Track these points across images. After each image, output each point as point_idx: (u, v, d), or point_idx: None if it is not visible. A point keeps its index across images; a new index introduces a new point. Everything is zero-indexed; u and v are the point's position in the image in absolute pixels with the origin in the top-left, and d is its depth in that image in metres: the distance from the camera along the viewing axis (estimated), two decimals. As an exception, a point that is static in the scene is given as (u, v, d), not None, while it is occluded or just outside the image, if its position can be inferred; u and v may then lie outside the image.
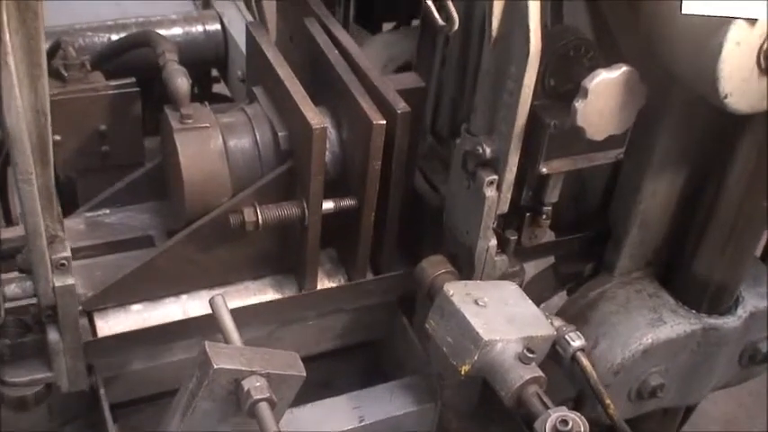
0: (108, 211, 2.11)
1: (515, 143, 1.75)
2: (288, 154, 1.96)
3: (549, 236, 2.05)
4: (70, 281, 1.61)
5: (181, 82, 1.94)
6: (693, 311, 2.04)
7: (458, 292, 1.78)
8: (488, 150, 1.78)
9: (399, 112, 1.88)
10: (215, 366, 1.57)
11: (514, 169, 1.79)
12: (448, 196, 1.97)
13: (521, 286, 1.99)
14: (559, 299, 2.27)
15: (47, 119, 1.50)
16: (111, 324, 1.95)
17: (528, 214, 1.96)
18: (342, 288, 2.08)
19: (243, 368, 1.60)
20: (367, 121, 1.85)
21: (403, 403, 2.02)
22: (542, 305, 2.32)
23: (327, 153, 1.93)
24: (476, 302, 1.77)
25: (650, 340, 2.00)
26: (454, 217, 1.95)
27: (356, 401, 2.01)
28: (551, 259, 2.25)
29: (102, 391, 1.89)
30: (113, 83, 2.12)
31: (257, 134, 1.98)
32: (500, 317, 1.76)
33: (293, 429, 1.87)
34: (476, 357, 1.71)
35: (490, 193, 1.81)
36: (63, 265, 1.60)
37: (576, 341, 1.84)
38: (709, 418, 3.75)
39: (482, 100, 1.79)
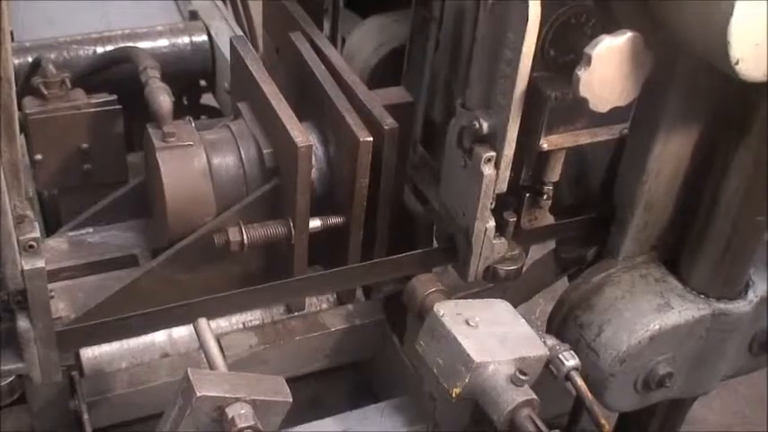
0: (91, 230, 2.08)
1: (514, 116, 1.67)
2: (273, 172, 1.91)
3: (548, 220, 1.99)
4: (40, 263, 1.52)
5: (163, 99, 1.90)
6: (702, 296, 1.96)
7: (448, 312, 1.73)
8: (485, 125, 1.71)
9: (387, 128, 1.84)
10: (198, 394, 1.52)
11: (513, 144, 1.72)
12: (443, 176, 1.89)
13: (520, 271, 1.93)
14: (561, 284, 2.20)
15: (11, 86, 1.41)
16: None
17: (527, 195, 1.88)
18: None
19: (227, 395, 1.55)
20: (353, 138, 1.81)
21: (393, 425, 1.95)
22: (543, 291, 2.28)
23: (314, 170, 1.91)
24: (467, 323, 1.71)
25: (657, 326, 1.91)
26: (450, 198, 1.87)
27: (344, 423, 1.94)
28: (551, 244, 2.17)
29: (85, 417, 1.82)
30: (94, 100, 2.08)
31: (242, 152, 1.94)
32: (492, 337, 1.71)
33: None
34: (467, 380, 1.66)
35: (488, 170, 1.73)
36: (32, 246, 1.51)
37: (570, 360, 1.78)
38: (707, 426, 3.67)
39: (478, 71, 1.72)
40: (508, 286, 2.03)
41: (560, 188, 2.06)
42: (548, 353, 1.75)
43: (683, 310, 1.93)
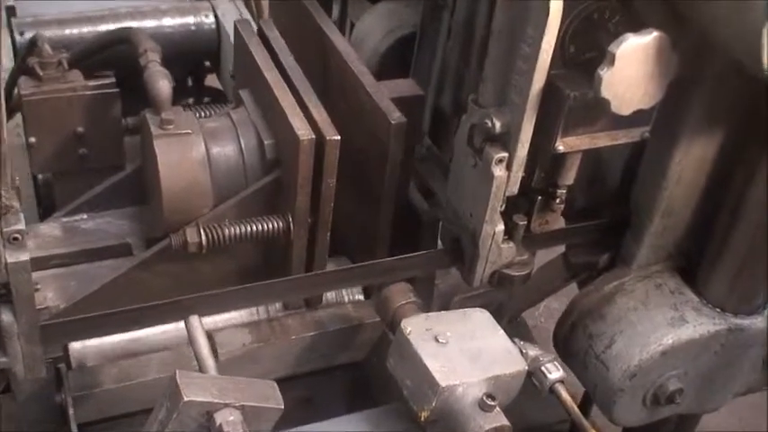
0: (86, 216, 2.01)
1: (529, 116, 1.58)
2: (274, 163, 1.83)
3: (560, 224, 1.90)
4: (24, 257, 1.44)
5: (162, 85, 1.82)
6: (718, 310, 1.87)
7: (416, 328, 1.64)
8: (498, 124, 1.61)
9: (393, 123, 1.76)
10: (185, 399, 1.44)
11: (527, 146, 1.62)
12: (451, 175, 1.79)
13: (528, 277, 1.84)
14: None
15: (-4, 65, 1.34)
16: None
17: (539, 197, 1.79)
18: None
19: (215, 400, 1.47)
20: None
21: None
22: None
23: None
24: (436, 339, 1.63)
25: (671, 341, 1.82)
26: (457, 198, 1.78)
27: (337, 428, 1.84)
28: (560, 248, 2.08)
29: (71, 412, 1.75)
30: (92, 83, 2.00)
31: (242, 142, 1.85)
32: (462, 355, 1.63)
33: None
34: (434, 404, 1.58)
35: (499, 172, 1.64)
36: (16, 239, 1.43)
37: (554, 373, 1.71)
38: (704, 428, 3.58)
39: (492, 67, 1.63)
40: (514, 292, 1.94)
41: (573, 190, 1.97)
42: (525, 368, 1.66)
43: (697, 324, 1.84)
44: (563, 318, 1.97)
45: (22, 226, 1.43)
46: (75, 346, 1.82)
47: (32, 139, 1.95)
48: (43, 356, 1.57)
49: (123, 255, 1.95)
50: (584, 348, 1.90)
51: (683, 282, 1.91)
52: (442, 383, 1.57)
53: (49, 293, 1.84)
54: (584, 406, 2.11)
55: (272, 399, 1.55)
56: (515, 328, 2.49)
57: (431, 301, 2.09)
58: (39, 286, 1.61)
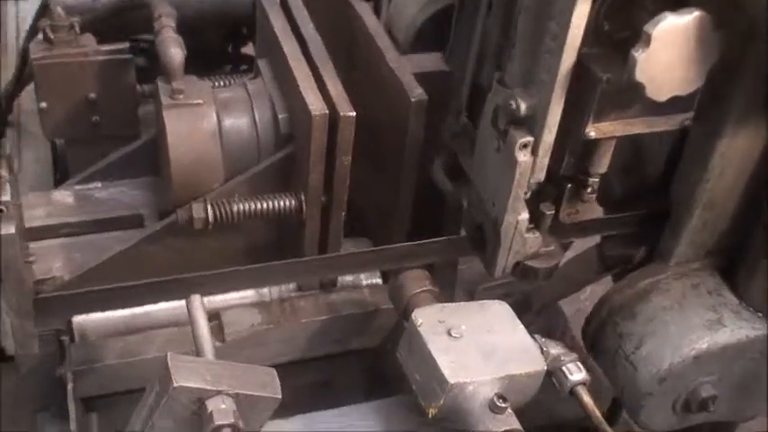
0: (99, 185, 1.95)
1: (557, 97, 1.46)
2: (288, 138, 1.74)
3: (596, 212, 1.78)
4: (11, 229, 1.38)
5: (174, 53, 1.73)
6: (759, 315, 1.73)
7: (428, 320, 1.53)
8: (523, 106, 1.49)
9: (414, 100, 1.66)
10: (174, 384, 1.36)
11: (554, 130, 1.50)
12: (476, 157, 1.68)
13: (554, 270, 1.73)
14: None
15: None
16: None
17: (569, 185, 1.67)
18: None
19: (207, 387, 1.39)
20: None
21: (398, 425, 1.73)
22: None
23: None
24: (448, 333, 1.52)
25: (705, 345, 1.69)
26: (481, 182, 1.67)
27: (346, 418, 1.75)
28: (595, 239, 1.95)
29: (70, 386, 1.70)
30: (105, 48, 1.92)
31: (256, 114, 1.77)
32: (476, 351, 1.52)
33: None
34: (442, 401, 1.48)
35: (523, 157, 1.52)
36: (1, 211, 1.37)
37: (576, 374, 1.60)
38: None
39: (520, 44, 1.51)
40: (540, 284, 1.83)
41: (610, 177, 1.84)
42: (544, 367, 1.55)
43: (735, 328, 1.70)
44: (593, 313, 1.85)
45: (7, 197, 1.37)
46: (79, 318, 1.77)
47: (43, 104, 1.90)
48: (35, 331, 1.52)
49: (135, 226, 1.89)
50: (614, 347, 1.78)
51: (723, 282, 1.77)
52: (451, 380, 1.47)
53: (56, 264, 1.79)
54: (614, 410, 1.99)
55: (270, 387, 1.46)
56: (549, 317, 2.39)
57: (453, 288, 1.99)
58: (33, 258, 1.56)
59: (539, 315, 2.22)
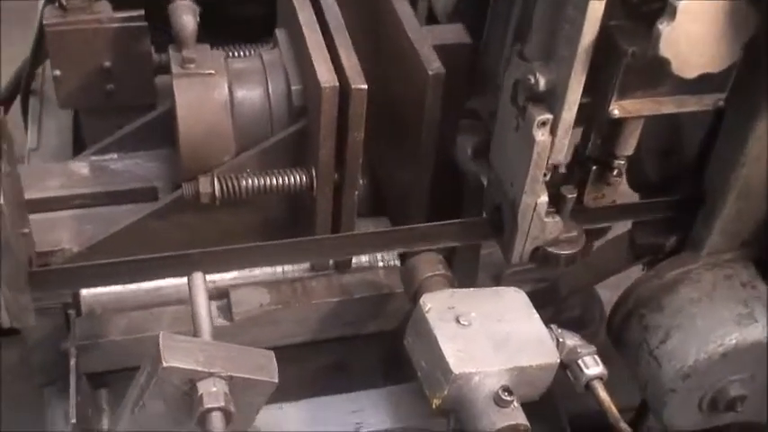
0: (115, 156, 1.90)
1: (578, 73, 1.36)
2: (301, 112, 1.67)
3: (623, 196, 1.68)
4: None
5: (186, 20, 1.66)
6: (795, 310, 1.63)
7: (437, 305, 1.47)
8: (542, 81, 1.40)
9: (431, 73, 1.57)
10: (164, 364, 1.32)
11: (575, 107, 1.41)
12: (495, 136, 1.60)
13: (576, 257, 1.63)
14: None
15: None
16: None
17: (594, 167, 1.58)
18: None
19: (199, 368, 1.34)
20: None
21: (409, 413, 1.69)
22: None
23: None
24: (457, 320, 1.45)
25: (734, 341, 1.59)
26: (499, 163, 1.59)
27: (356, 404, 1.71)
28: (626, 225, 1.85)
29: (72, 361, 1.66)
30: (119, 15, 1.86)
31: (270, 86, 1.70)
32: (485, 340, 1.45)
33: (279, 428, 1.62)
34: (446, 392, 1.41)
35: (541, 136, 1.44)
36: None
37: (592, 368, 1.52)
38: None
39: (541, 14, 1.42)
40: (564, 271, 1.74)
41: (645, 161, 1.75)
42: (557, 360, 1.47)
43: (768, 324, 1.61)
44: (618, 304, 1.76)
45: (-5, 166, 1.33)
46: (88, 292, 1.73)
47: (57, 72, 1.85)
48: (31, 305, 1.48)
49: (149, 199, 1.84)
50: (638, 341, 1.69)
51: (758, 274, 1.67)
52: (456, 370, 1.40)
53: (66, 235, 1.75)
54: (642, 411, 1.90)
55: (266, 370, 1.41)
56: (585, 303, 2.29)
57: (475, 274, 1.91)
58: (26, 230, 1.52)
59: (567, 302, 2.13)
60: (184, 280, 1.71)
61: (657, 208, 1.73)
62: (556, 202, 1.57)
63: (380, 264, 1.82)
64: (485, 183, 1.76)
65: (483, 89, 2.14)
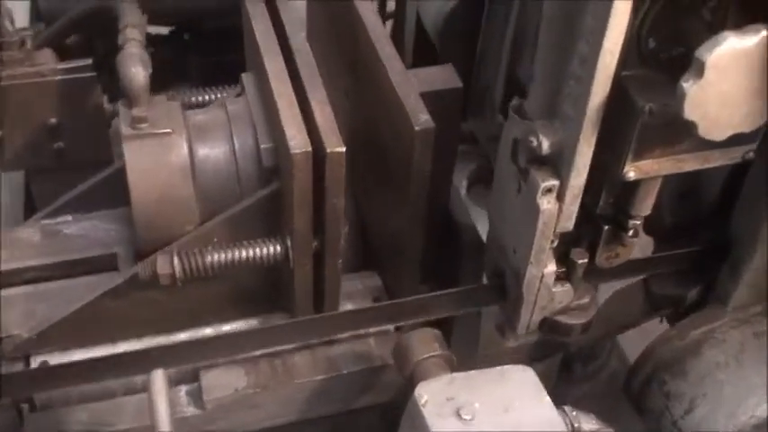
0: (70, 219, 1.69)
1: (587, 135, 1.18)
2: (274, 171, 1.47)
3: (640, 251, 1.50)
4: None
5: (135, 72, 1.45)
6: (835, 374, 1.46)
7: (434, 397, 1.27)
8: (546, 143, 1.22)
9: (418, 129, 1.37)
10: None
11: (585, 172, 1.22)
12: (493, 191, 1.42)
13: (589, 326, 1.45)
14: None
15: None
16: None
17: (606, 227, 1.40)
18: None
19: None
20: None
21: None
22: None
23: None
24: (458, 414, 1.25)
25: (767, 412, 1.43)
26: (500, 225, 1.41)
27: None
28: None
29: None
30: (63, 66, 1.67)
31: (236, 143, 1.49)
32: None
33: None
34: None
35: (547, 204, 1.25)
36: None
37: None
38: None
39: (543, 65, 1.23)
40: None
41: (661, 203, 1.56)
42: None
43: (807, 393, 1.44)
44: (637, 365, 1.59)
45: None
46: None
47: (-1, 132, 1.66)
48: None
49: (108, 268, 1.64)
50: (660, 409, 1.53)
51: (792, 332, 1.50)
52: (457, 480, 1.23)
53: (15, 318, 1.55)
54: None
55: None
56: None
57: (476, 336, 1.73)
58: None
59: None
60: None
61: (677, 260, 1.55)
62: (564, 264, 1.39)
63: (372, 330, 1.64)
64: (483, 237, 1.59)
65: (479, 109, 1.96)
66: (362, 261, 1.75)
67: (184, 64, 2.34)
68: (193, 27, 2.37)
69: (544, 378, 1.60)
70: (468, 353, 1.77)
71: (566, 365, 2.09)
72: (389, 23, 2.27)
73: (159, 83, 2.23)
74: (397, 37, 2.25)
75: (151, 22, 2.31)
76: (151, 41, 2.29)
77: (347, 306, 1.62)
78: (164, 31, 2.39)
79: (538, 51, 1.24)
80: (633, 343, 1.89)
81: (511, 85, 1.80)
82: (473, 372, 1.39)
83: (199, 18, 2.29)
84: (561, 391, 2.11)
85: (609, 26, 1.08)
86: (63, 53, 1.72)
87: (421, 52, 2.11)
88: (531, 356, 1.87)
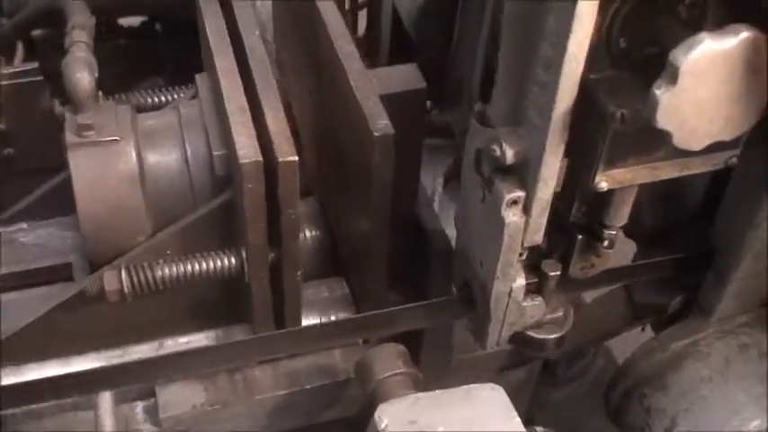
0: (25, 226, 1.61)
1: (553, 144, 1.09)
2: (227, 180, 1.38)
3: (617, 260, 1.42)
4: None
5: (80, 78, 1.36)
6: (826, 389, 1.38)
7: (396, 420, 1.18)
8: (510, 152, 1.13)
9: (377, 135, 1.29)
10: None
11: (552, 183, 1.14)
12: (458, 203, 1.34)
13: (563, 341, 1.37)
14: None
15: None
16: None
17: (580, 237, 1.32)
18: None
19: None
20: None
21: None
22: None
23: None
24: None
25: (755, 429, 1.35)
26: (465, 235, 1.33)
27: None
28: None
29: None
30: (7, 71, 1.60)
31: (188, 149, 1.41)
32: None
33: None
34: None
35: (512, 216, 1.17)
36: None
37: None
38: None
39: (504, 70, 1.14)
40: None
41: (640, 206, 1.48)
42: None
43: (795, 409, 1.35)
44: (616, 378, 1.51)
45: None
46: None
47: (-56, 140, 1.58)
48: None
49: (63, 278, 1.57)
50: (640, 425, 1.45)
51: (778, 344, 1.42)
52: None
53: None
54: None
55: None
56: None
57: (449, 351, 1.64)
58: None
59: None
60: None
61: (658, 268, 1.46)
62: (536, 275, 1.31)
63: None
64: (453, 242, 1.50)
65: (455, 101, 1.87)
66: (331, 266, 1.67)
67: (157, 55, 2.26)
68: (166, 17, 2.29)
69: (525, 382, 1.53)
70: (441, 358, 1.70)
71: (548, 368, 2.02)
72: (363, 13, 2.18)
73: (133, 74, 2.16)
74: (372, 25, 2.17)
75: (122, 12, 2.25)
76: (123, 33, 2.24)
77: (312, 315, 1.54)
78: (135, 22, 2.32)
79: (500, 54, 1.14)
80: (620, 340, 1.82)
81: (488, 76, 1.71)
82: (438, 391, 1.31)
83: (167, 8, 2.21)
84: (544, 395, 2.04)
85: (573, 29, 0.99)
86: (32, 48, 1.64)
87: (398, 42, 2.03)
88: (510, 361, 1.80)
